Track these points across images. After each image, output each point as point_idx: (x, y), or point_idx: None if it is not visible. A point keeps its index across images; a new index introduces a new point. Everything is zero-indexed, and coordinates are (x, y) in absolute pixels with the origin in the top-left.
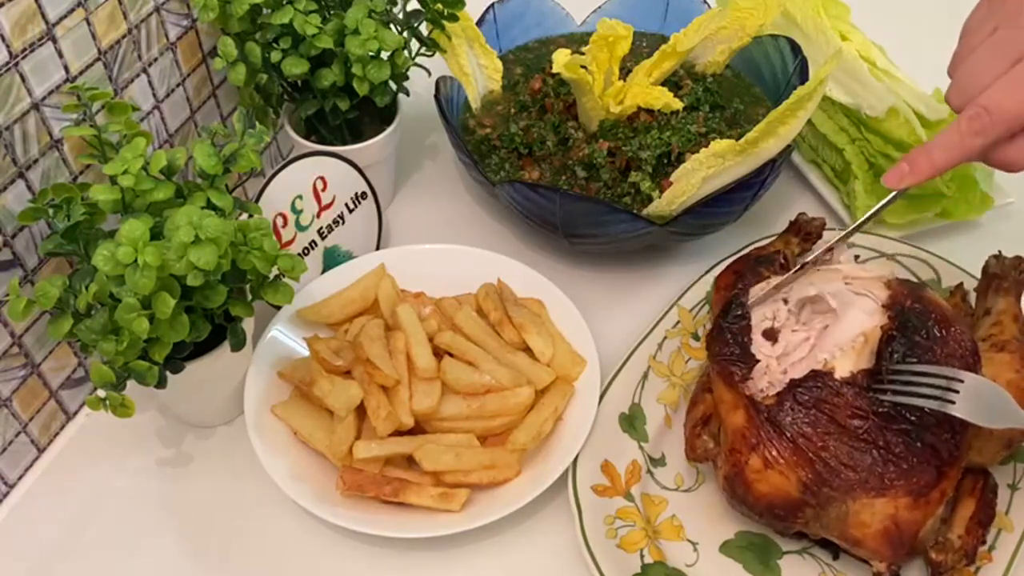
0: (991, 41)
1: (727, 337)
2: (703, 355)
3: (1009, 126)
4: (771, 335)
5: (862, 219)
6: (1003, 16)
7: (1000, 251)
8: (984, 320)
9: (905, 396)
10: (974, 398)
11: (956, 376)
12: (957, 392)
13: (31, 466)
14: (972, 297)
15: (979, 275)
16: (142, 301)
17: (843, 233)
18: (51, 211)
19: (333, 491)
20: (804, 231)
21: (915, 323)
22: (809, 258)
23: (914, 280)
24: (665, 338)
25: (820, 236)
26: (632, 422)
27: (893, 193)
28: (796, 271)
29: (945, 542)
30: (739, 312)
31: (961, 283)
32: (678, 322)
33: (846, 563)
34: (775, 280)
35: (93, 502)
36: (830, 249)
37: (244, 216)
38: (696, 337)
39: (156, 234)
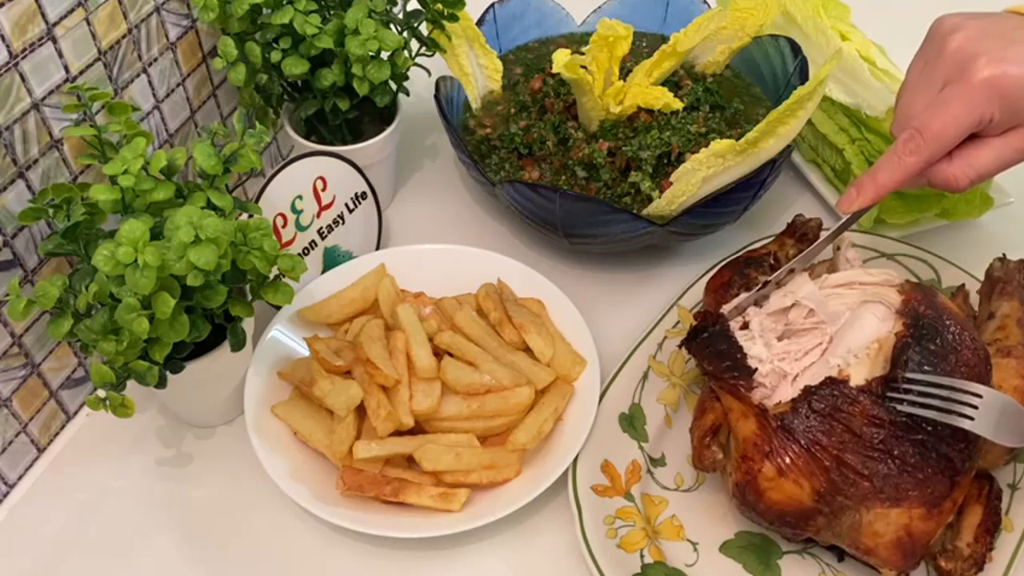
0: (922, 73)
1: (717, 354)
2: None
3: (939, 144)
4: (745, 326)
5: (819, 241)
6: (933, 51)
7: (1004, 254)
8: (988, 324)
9: (922, 408)
10: (993, 415)
11: (975, 391)
12: (976, 407)
13: (31, 466)
14: (974, 299)
15: (979, 275)
16: (142, 301)
17: (802, 254)
18: (51, 211)
19: (333, 491)
20: (800, 232)
21: (930, 331)
22: (771, 277)
23: (917, 281)
24: (665, 338)
25: (817, 237)
26: (632, 422)
27: (847, 217)
28: (758, 290)
29: (954, 550)
30: (719, 331)
31: (963, 284)
32: (678, 322)
33: (847, 563)
34: (738, 300)
35: (93, 502)
36: (791, 270)
37: (244, 216)
38: None
39: (156, 234)
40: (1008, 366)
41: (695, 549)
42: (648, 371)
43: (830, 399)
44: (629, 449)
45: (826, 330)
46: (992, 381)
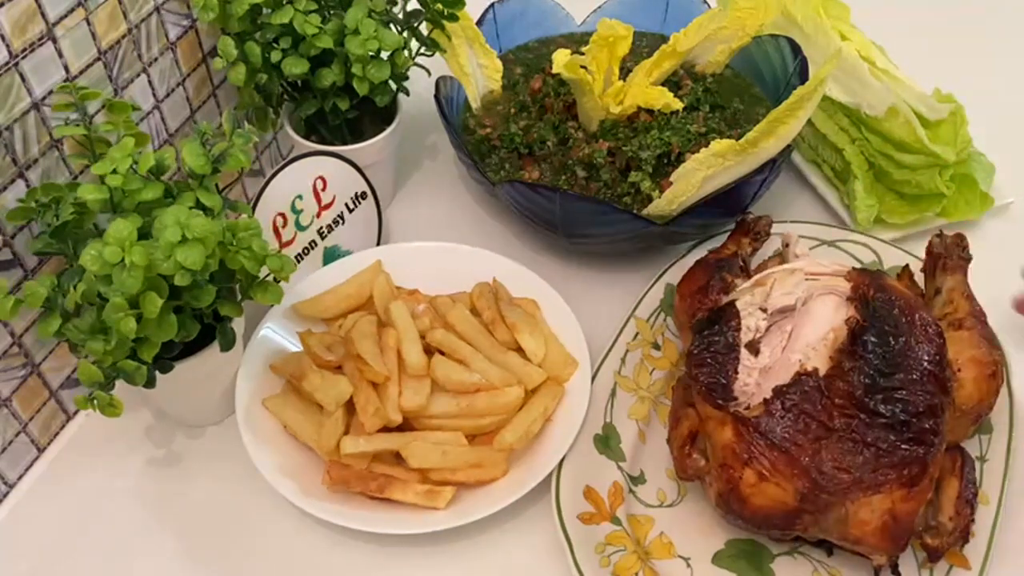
0: None
1: (712, 365)
2: (666, 365)
3: None
4: (753, 347)
5: None
6: None
7: (941, 230)
8: (936, 300)
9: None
10: None
11: None
12: None
13: (31, 466)
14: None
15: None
16: (130, 301)
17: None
18: (40, 210)
19: (320, 486)
20: (753, 231)
21: (882, 313)
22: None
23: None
24: (627, 352)
25: (768, 235)
26: (607, 442)
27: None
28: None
29: (938, 526)
30: (729, 340)
31: (907, 265)
32: (637, 334)
33: (837, 558)
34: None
35: (93, 502)
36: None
37: (239, 216)
38: (656, 347)
39: (144, 234)
40: (962, 338)
41: (688, 564)
42: (615, 387)
43: (800, 395)
44: (608, 470)
45: (785, 327)
46: (948, 354)
